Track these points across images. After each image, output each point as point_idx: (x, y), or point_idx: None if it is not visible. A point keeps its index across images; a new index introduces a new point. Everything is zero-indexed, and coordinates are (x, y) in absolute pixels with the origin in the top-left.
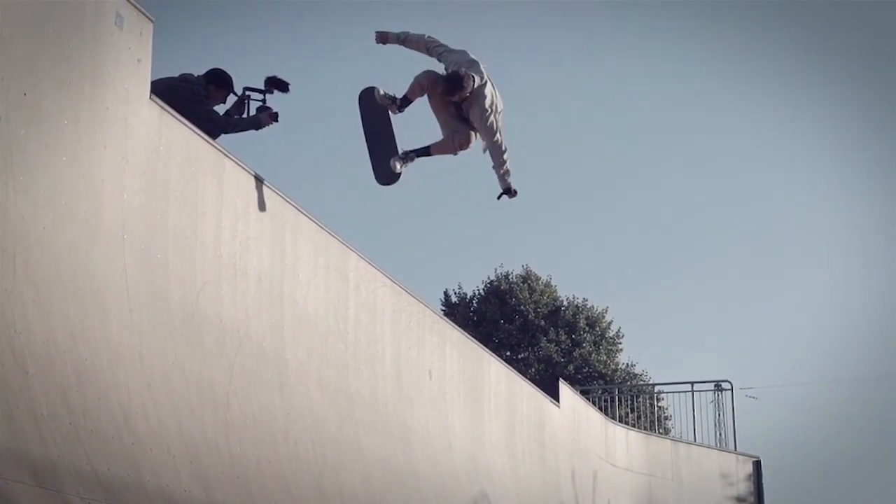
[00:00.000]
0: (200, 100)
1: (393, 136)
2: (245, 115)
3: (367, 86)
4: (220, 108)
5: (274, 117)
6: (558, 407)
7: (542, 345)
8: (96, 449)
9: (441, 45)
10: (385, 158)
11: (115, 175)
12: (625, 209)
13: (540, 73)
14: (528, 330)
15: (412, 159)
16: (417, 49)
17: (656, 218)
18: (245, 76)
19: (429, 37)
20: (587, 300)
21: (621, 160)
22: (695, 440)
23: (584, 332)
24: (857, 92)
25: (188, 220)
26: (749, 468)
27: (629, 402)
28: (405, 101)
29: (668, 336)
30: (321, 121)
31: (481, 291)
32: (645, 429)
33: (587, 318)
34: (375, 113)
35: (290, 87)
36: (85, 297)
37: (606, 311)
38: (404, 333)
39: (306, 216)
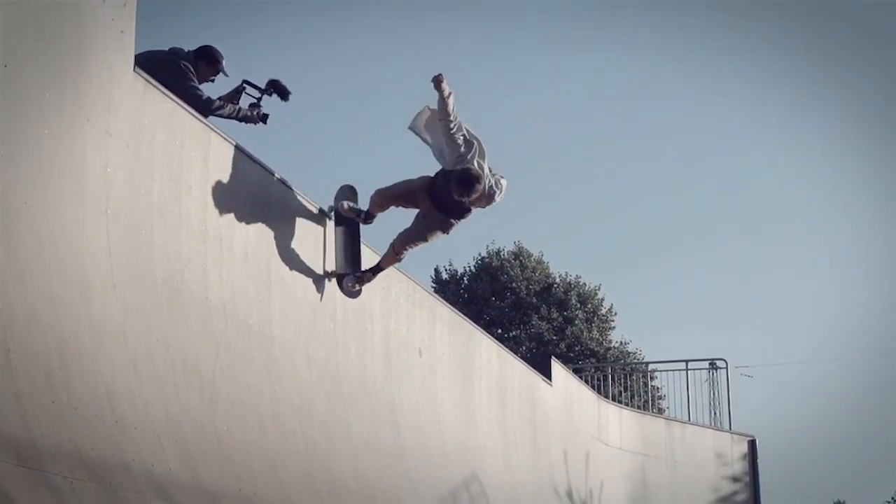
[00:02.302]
0: (187, 76)
1: (358, 247)
2: (235, 105)
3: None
4: (212, 88)
5: (263, 118)
6: (550, 385)
7: (533, 322)
8: (80, 428)
9: (455, 124)
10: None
11: (98, 149)
12: (619, 187)
13: (538, 56)
14: (519, 307)
15: (369, 279)
16: (443, 110)
17: (651, 196)
18: (247, 62)
19: (455, 113)
20: (580, 277)
21: (615, 138)
22: (689, 419)
23: (576, 310)
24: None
25: (173, 196)
26: (744, 447)
27: (622, 380)
28: (369, 216)
29: (662, 314)
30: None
31: (472, 268)
32: (638, 408)
33: (579, 295)
34: (347, 221)
35: (289, 98)
36: (68, 274)
37: (599, 288)
38: (394, 310)
39: (293, 191)
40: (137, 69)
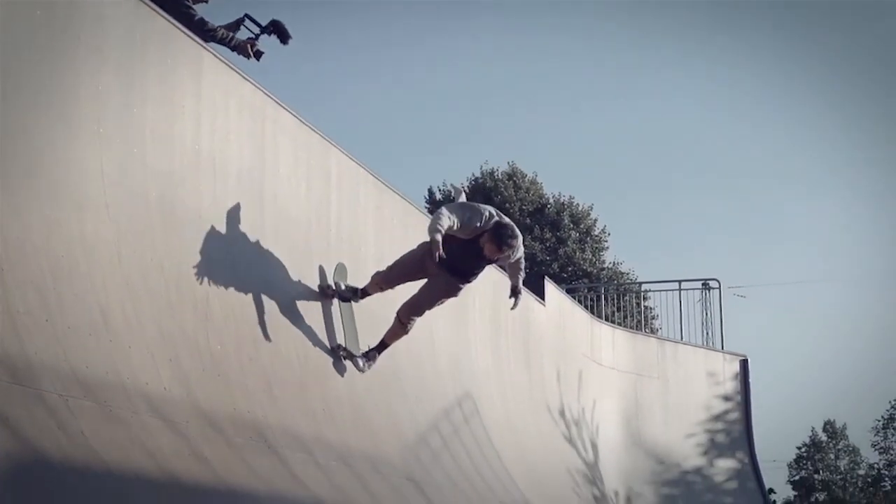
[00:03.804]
0: None
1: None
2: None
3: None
4: (206, 10)
5: (256, 55)
6: (543, 305)
7: (526, 243)
8: (74, 346)
9: (460, 214)
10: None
11: (90, 69)
12: (614, 108)
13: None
14: None
15: (374, 358)
16: (459, 231)
17: (646, 117)
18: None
19: (449, 216)
20: (573, 198)
21: (613, 65)
22: (682, 339)
23: (569, 230)
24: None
25: (166, 115)
26: (736, 367)
27: (615, 300)
28: (364, 295)
29: (656, 235)
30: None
31: (466, 189)
32: (631, 328)
33: (572, 215)
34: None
35: (289, 42)
36: (60, 194)
37: (591, 208)
38: (387, 231)
39: (287, 111)
40: None
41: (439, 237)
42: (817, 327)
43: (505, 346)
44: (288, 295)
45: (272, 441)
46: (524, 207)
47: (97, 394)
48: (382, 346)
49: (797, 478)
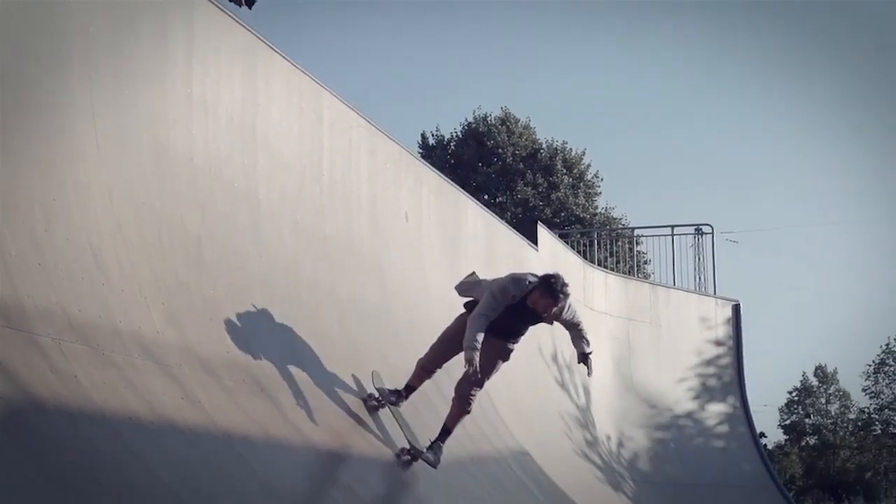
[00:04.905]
0: None
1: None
2: None
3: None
4: None
5: (248, 2)
6: (536, 251)
7: (519, 188)
8: (67, 290)
9: (494, 304)
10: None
11: (80, 11)
12: (607, 55)
13: None
14: (505, 173)
15: (440, 450)
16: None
17: (640, 65)
18: None
19: (485, 314)
20: (566, 143)
21: (611, 16)
22: (674, 284)
23: (561, 175)
24: None
25: (157, 58)
26: (728, 312)
27: (608, 246)
28: (409, 391)
29: (649, 180)
30: None
31: (459, 133)
32: (624, 273)
33: (565, 160)
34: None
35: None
36: (50, 136)
37: (584, 153)
38: (380, 175)
39: (279, 54)
40: None
41: (476, 356)
42: (809, 273)
43: None
44: (279, 239)
45: (265, 384)
46: (517, 152)
47: (90, 337)
48: (446, 432)
49: (788, 422)
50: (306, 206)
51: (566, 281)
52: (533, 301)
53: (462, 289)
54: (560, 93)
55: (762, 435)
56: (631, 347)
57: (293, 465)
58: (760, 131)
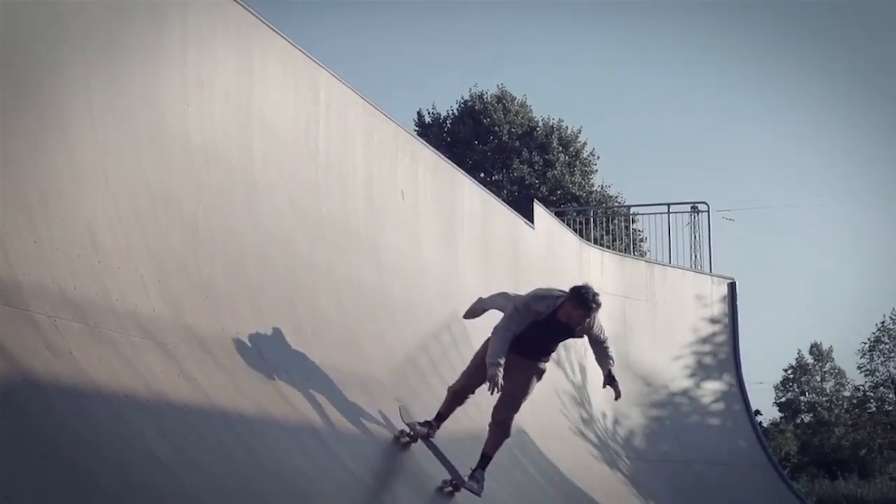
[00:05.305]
0: None
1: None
2: None
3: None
4: None
5: None
6: (532, 228)
7: (515, 166)
8: (63, 268)
9: (520, 319)
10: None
11: None
12: (604, 34)
13: None
14: (502, 151)
15: (482, 478)
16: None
17: (637, 44)
18: None
19: (505, 329)
20: (562, 121)
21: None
22: (670, 262)
23: (557, 153)
24: None
25: (153, 36)
26: (724, 289)
27: (604, 223)
28: (440, 420)
29: (645, 158)
30: None
31: (455, 112)
32: (620, 251)
33: (561, 138)
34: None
35: None
36: (46, 114)
37: (580, 131)
38: (376, 153)
39: (276, 32)
40: None
41: (500, 372)
42: (805, 250)
43: (494, 269)
44: (275, 217)
45: (261, 362)
46: (513, 130)
47: (86, 315)
48: (486, 459)
49: (783, 399)
50: (302, 185)
51: (596, 291)
52: (566, 314)
53: (482, 306)
54: (556, 71)
55: (757, 412)
56: (627, 325)
57: (290, 443)
58: (759, 108)
